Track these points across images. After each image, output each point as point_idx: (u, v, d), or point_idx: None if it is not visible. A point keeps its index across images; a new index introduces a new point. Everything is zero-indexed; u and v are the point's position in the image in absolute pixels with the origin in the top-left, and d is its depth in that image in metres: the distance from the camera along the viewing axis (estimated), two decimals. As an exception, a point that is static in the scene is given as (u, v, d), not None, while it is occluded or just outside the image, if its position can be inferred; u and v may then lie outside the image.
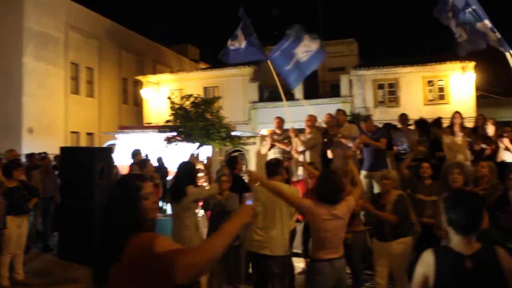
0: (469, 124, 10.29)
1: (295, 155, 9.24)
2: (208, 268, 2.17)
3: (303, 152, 9.14)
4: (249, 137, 13.29)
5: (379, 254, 5.87)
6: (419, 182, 6.56)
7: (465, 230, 2.66)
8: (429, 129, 9.35)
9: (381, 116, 22.16)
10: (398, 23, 50.93)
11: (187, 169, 6.31)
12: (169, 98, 13.05)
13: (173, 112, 12.71)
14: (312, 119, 9.43)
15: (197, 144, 12.55)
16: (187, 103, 12.83)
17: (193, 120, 12.27)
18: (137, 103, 29.63)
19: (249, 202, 2.50)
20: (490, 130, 8.45)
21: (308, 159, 8.97)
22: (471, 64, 23.20)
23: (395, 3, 57.75)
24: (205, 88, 26.69)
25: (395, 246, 5.64)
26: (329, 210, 4.41)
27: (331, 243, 4.48)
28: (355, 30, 56.93)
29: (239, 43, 10.53)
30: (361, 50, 29.79)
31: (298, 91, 25.58)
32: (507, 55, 7.82)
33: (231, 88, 26.61)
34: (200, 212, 8.86)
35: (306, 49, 10.33)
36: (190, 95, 12.98)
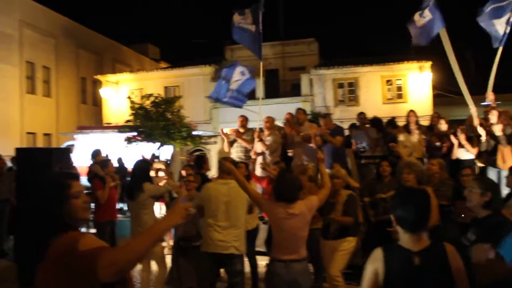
0: (427, 122, 10.53)
1: (253, 156, 9.25)
2: (132, 266, 2.14)
3: (262, 154, 9.15)
4: (210, 137, 13.28)
5: (324, 252, 5.94)
6: (378, 182, 6.69)
7: (412, 227, 2.69)
8: (384, 128, 9.57)
9: (341, 115, 22.49)
10: (358, 23, 51.77)
11: (143, 167, 6.43)
12: (129, 97, 12.89)
13: (133, 112, 12.57)
14: (270, 120, 9.46)
15: (158, 144, 12.45)
16: (147, 103, 12.71)
17: (153, 120, 12.17)
18: (96, 103, 29.08)
19: (183, 202, 2.41)
20: (443, 127, 8.65)
21: (268, 160, 9.00)
22: (428, 64, 23.78)
23: (355, 4, 58.64)
24: (165, 87, 26.43)
25: (339, 244, 5.73)
26: (286, 209, 4.36)
27: (289, 244, 4.41)
28: (316, 30, 57.42)
29: (246, 24, 9.91)
30: (321, 50, 30.08)
31: (259, 90, 25.70)
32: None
33: (192, 87, 26.44)
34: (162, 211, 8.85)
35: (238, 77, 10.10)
36: (150, 95, 12.86)
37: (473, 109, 8.63)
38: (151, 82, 26.64)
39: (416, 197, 2.79)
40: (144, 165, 6.53)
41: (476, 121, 8.41)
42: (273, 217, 4.50)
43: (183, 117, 12.90)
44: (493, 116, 7.97)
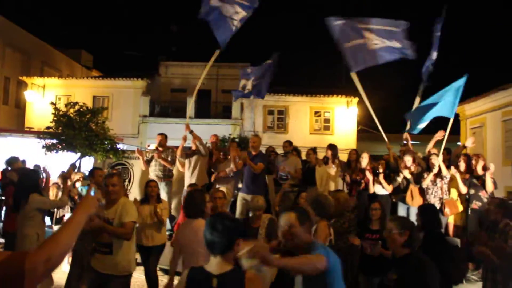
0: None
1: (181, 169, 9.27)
2: (61, 261, 2.12)
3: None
4: (134, 151, 13.04)
5: None
6: None
7: (212, 249, 2.83)
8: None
9: (269, 141, 22.76)
10: (292, 54, 53.03)
11: (31, 177, 6.23)
12: (52, 103, 12.47)
13: (55, 118, 12.15)
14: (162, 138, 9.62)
15: (79, 154, 12.09)
16: (72, 111, 12.34)
17: (76, 129, 11.82)
18: (19, 105, 27.78)
19: (92, 193, 2.43)
20: (364, 162, 8.99)
21: (194, 179, 8.98)
22: (355, 100, 24.73)
23: (290, 35, 60.17)
24: (94, 97, 25.72)
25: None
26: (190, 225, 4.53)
27: (194, 259, 4.43)
28: (251, 55, 58.22)
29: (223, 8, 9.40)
30: (256, 75, 30.47)
31: (190, 110, 25.66)
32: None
33: (122, 99, 25.95)
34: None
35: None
36: (76, 103, 12.50)
37: (389, 148, 9.12)
38: (80, 89, 25.87)
39: (219, 222, 2.89)
40: (32, 175, 6.30)
41: (392, 160, 8.88)
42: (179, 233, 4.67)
43: (107, 129, 12.60)
44: (409, 161, 8.40)
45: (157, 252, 6.69)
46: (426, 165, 8.47)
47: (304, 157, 10.11)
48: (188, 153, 9.28)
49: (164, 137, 9.67)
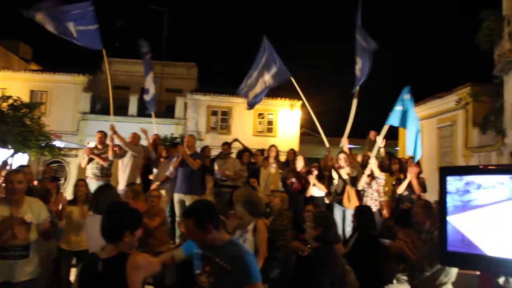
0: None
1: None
2: None
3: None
4: (71, 149, 12.67)
5: None
6: (230, 210, 6.85)
7: (103, 235, 2.99)
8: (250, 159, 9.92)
9: (212, 141, 22.71)
10: (239, 55, 53.08)
11: None
12: (-17, 96, 11.94)
13: (-14, 112, 11.66)
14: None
15: (11, 151, 11.62)
16: (4, 105, 11.86)
17: (9, 124, 11.35)
18: (-51, 98, 26.35)
19: None
20: (299, 165, 9.11)
21: (125, 179, 8.84)
22: (299, 103, 25.03)
23: (236, 36, 60.30)
24: (32, 91, 24.76)
25: None
26: None
27: None
28: (197, 55, 57.91)
29: None
30: (200, 76, 30.35)
31: (133, 107, 25.20)
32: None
33: (61, 95, 25.12)
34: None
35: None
36: (9, 97, 12.02)
37: (329, 151, 9.32)
38: (16, 83, 24.74)
39: (109, 210, 3.10)
40: None
41: (331, 163, 9.02)
42: None
43: (43, 125, 12.18)
44: (341, 160, 8.57)
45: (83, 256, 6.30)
46: (362, 168, 8.66)
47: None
48: (119, 153, 9.15)
49: (103, 134, 9.47)
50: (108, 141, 9.27)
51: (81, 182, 6.80)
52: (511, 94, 14.35)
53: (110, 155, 9.07)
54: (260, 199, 4.95)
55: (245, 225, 4.93)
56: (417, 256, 4.86)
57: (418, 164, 8.52)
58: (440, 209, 3.67)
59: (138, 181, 9.06)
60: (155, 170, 9.49)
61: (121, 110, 24.42)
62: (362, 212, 5.69)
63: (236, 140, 10.68)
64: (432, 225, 5.37)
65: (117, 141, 9.19)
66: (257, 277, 3.08)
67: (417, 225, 5.53)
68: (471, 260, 3.50)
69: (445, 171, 3.72)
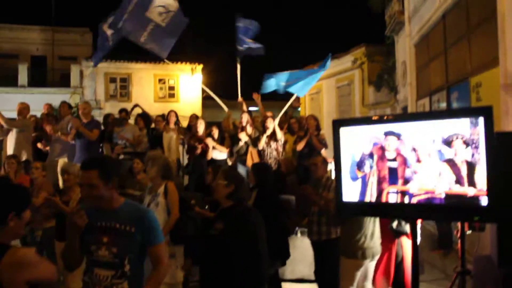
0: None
1: None
2: None
3: None
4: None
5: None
6: (131, 178, 6.71)
7: None
8: (150, 124, 9.71)
9: (112, 109, 21.85)
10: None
11: None
12: None
13: None
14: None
15: None
16: None
17: None
18: None
19: None
20: (201, 129, 9.06)
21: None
22: (200, 67, 24.77)
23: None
24: None
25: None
26: None
27: None
28: (90, 19, 54.99)
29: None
30: (95, 42, 28.91)
31: (22, 77, 23.58)
32: None
33: None
34: None
35: (162, 10, 8.62)
36: None
37: (228, 113, 9.36)
38: None
39: None
40: None
41: (231, 125, 9.09)
42: None
43: None
44: (244, 121, 8.64)
45: None
46: (263, 129, 8.75)
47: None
48: (3, 131, 8.51)
49: None
50: None
51: None
52: (401, 53, 15.13)
53: None
54: (172, 164, 4.97)
55: (155, 188, 4.90)
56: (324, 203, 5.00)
57: (316, 120, 8.76)
58: (335, 161, 3.76)
59: (26, 156, 8.40)
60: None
61: (9, 81, 22.81)
62: (259, 169, 5.78)
63: (136, 105, 10.36)
64: (329, 179, 5.58)
65: None
66: (162, 237, 3.01)
67: (315, 181, 5.69)
68: (362, 208, 3.65)
69: (338, 123, 3.80)
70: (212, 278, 3.78)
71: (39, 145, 8.89)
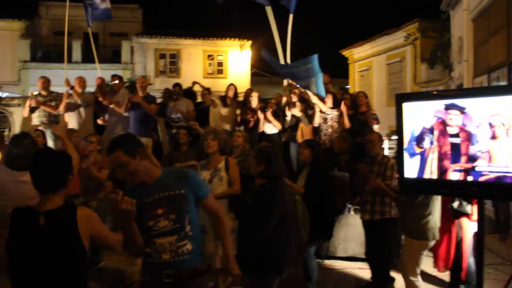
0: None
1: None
2: None
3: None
4: (13, 98, 12.07)
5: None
6: (176, 152, 6.80)
7: (38, 187, 2.66)
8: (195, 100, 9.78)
9: (162, 85, 22.13)
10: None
11: None
12: None
13: None
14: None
15: None
16: None
17: None
18: None
19: None
20: (254, 102, 9.04)
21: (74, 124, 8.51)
22: (248, 43, 24.71)
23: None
24: (-37, 39, 23.28)
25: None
26: (16, 176, 3.74)
27: None
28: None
29: None
30: (145, 18, 29.28)
31: (77, 53, 24.17)
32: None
33: (-4, 43, 23.73)
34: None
35: None
36: None
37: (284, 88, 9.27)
38: None
39: (44, 158, 2.78)
40: None
41: (286, 99, 9.00)
42: None
43: (-20, 74, 11.53)
44: (294, 96, 8.53)
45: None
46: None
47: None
48: (72, 106, 8.71)
49: (46, 79, 8.94)
50: (65, 91, 8.78)
51: (37, 132, 6.55)
52: (457, 29, 14.53)
53: (61, 109, 8.63)
54: (228, 137, 5.00)
55: (215, 163, 4.89)
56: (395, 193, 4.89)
57: (366, 97, 8.57)
58: (398, 136, 3.67)
59: (91, 130, 8.64)
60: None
61: (63, 57, 23.38)
62: (313, 146, 5.66)
63: (196, 83, 10.44)
64: (385, 157, 5.45)
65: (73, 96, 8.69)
66: (207, 188, 3.14)
67: (370, 159, 5.58)
68: (423, 185, 3.56)
69: (401, 98, 3.70)
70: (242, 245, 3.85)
71: (99, 121, 9.08)
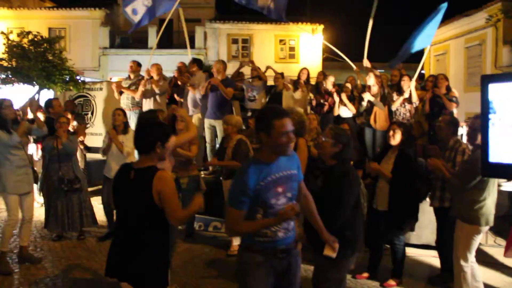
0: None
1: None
2: None
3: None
4: (95, 83, 12.58)
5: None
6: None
7: (136, 148, 3.25)
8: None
9: (234, 70, 22.44)
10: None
11: None
12: (2, 33, 11.78)
13: (7, 49, 11.53)
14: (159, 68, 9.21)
15: (37, 87, 11.61)
16: (25, 41, 11.72)
17: (31, 60, 11.26)
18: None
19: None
20: (329, 84, 8.96)
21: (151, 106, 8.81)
22: (320, 27, 24.43)
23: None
24: (50, 28, 24.55)
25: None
26: None
27: None
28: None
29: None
30: (218, 3, 29.62)
31: (152, 40, 24.86)
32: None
33: (80, 31, 24.91)
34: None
35: None
36: (29, 32, 11.87)
37: (357, 71, 9.14)
38: (34, 21, 24.44)
39: (142, 125, 3.42)
40: None
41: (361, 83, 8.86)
42: None
43: (65, 59, 12.07)
44: (370, 78, 8.34)
45: None
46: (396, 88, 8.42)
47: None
48: (148, 94, 8.99)
49: (135, 63, 9.32)
50: (143, 74, 9.13)
51: (117, 111, 6.90)
52: (545, 8, 13.66)
53: (138, 96, 8.96)
54: (303, 118, 5.00)
55: None
56: (451, 174, 4.72)
57: (447, 79, 8.24)
58: (483, 118, 3.52)
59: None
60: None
61: (140, 44, 24.19)
62: (405, 129, 5.47)
63: (269, 67, 10.50)
64: (457, 142, 5.22)
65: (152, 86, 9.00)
66: None
67: (441, 143, 5.39)
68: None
69: (487, 79, 3.54)
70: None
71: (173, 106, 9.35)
